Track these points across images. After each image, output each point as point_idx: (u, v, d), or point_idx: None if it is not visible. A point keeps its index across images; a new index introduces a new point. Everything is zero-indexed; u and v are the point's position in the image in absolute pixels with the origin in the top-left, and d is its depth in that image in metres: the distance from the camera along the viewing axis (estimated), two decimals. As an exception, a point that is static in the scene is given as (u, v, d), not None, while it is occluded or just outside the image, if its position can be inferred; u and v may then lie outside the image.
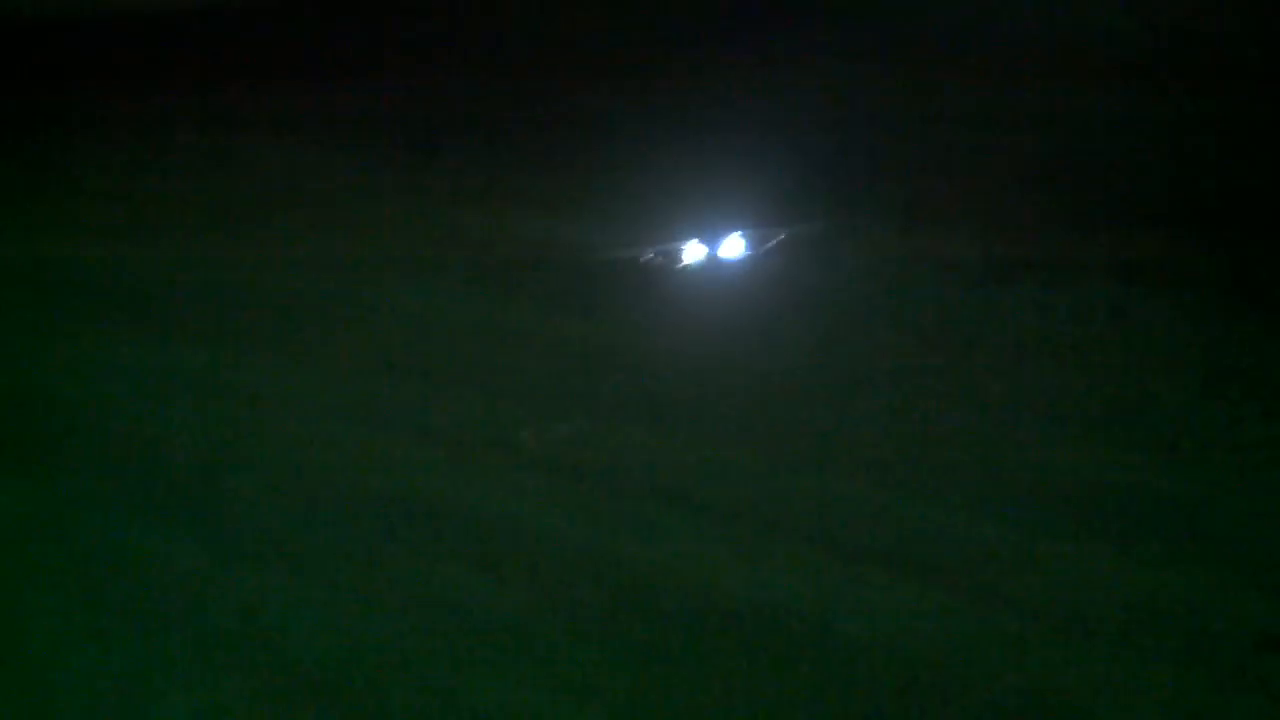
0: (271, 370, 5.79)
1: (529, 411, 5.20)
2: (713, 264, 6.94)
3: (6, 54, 12.31)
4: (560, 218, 7.87)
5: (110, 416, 5.39)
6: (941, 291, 6.32)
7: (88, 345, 6.21)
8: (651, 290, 6.64)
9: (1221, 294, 6.05)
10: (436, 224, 7.89)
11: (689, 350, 5.78)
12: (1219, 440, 4.68)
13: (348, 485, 4.70)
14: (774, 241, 7.04)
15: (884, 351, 5.63)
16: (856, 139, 9.26)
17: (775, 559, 4.08)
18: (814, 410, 5.10)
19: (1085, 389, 5.16)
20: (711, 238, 7.06)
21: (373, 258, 7.33)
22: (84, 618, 3.93)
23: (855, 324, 5.94)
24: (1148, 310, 5.91)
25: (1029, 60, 12.20)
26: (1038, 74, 11.59)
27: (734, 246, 7.03)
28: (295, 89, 11.24)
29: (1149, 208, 7.37)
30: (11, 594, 4.13)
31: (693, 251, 6.97)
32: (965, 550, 4.05)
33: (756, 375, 5.47)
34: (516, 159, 9.04)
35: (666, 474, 4.67)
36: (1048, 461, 4.60)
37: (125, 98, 10.87)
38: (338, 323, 6.33)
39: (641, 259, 6.93)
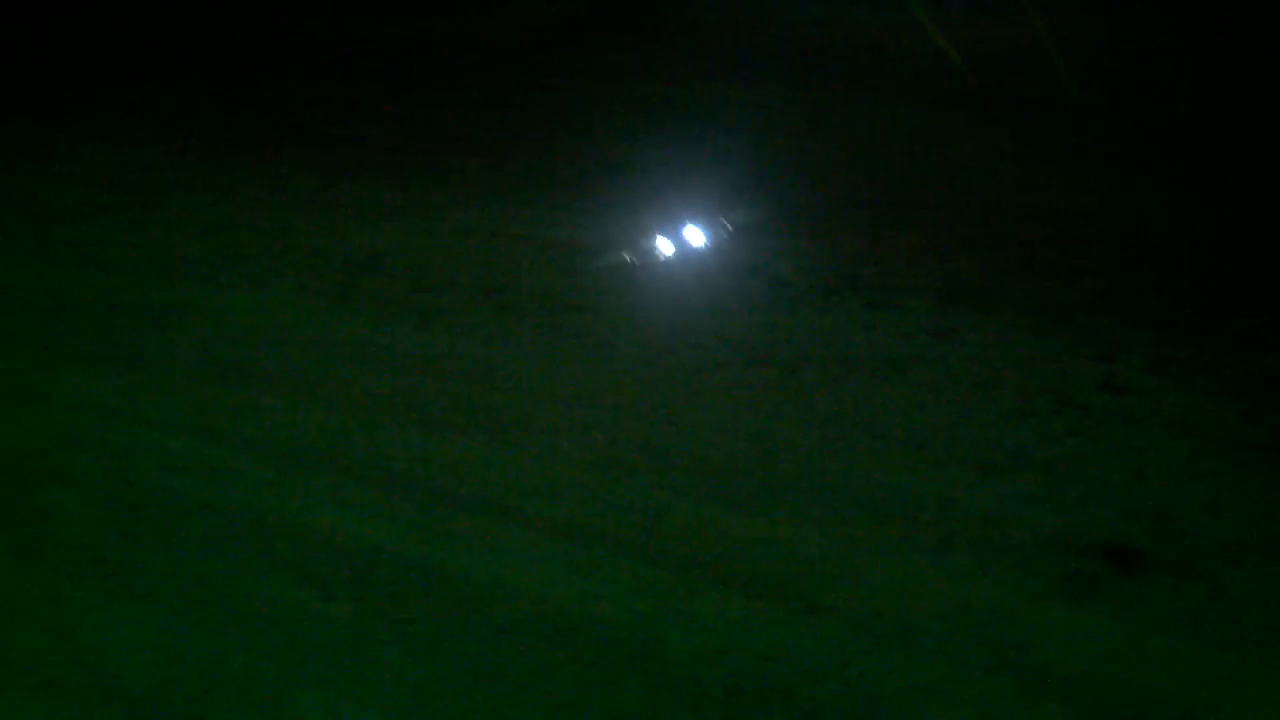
0: (95, 378, 5.61)
1: (358, 422, 5.16)
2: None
3: None
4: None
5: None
6: (771, 307, 6.47)
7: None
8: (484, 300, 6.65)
9: (1033, 316, 6.33)
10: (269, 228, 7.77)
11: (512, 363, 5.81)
12: (1030, 457, 4.89)
13: (171, 496, 4.58)
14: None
15: (701, 367, 5.73)
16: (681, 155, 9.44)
17: (604, 571, 4.12)
18: (638, 420, 5.18)
19: (905, 406, 5.33)
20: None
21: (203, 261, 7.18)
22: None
23: (675, 333, 6.04)
24: (965, 330, 6.14)
25: (858, 84, 12.64)
26: (866, 97, 12.01)
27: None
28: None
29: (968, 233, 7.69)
30: None
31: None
32: (790, 562, 4.16)
33: (579, 384, 5.52)
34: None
35: (497, 487, 4.67)
36: (870, 476, 4.75)
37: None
38: (166, 329, 6.18)
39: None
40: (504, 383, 5.57)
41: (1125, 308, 6.42)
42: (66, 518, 4.45)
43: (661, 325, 6.21)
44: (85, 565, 4.16)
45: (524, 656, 3.68)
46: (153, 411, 5.30)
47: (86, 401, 5.39)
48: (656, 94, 12.20)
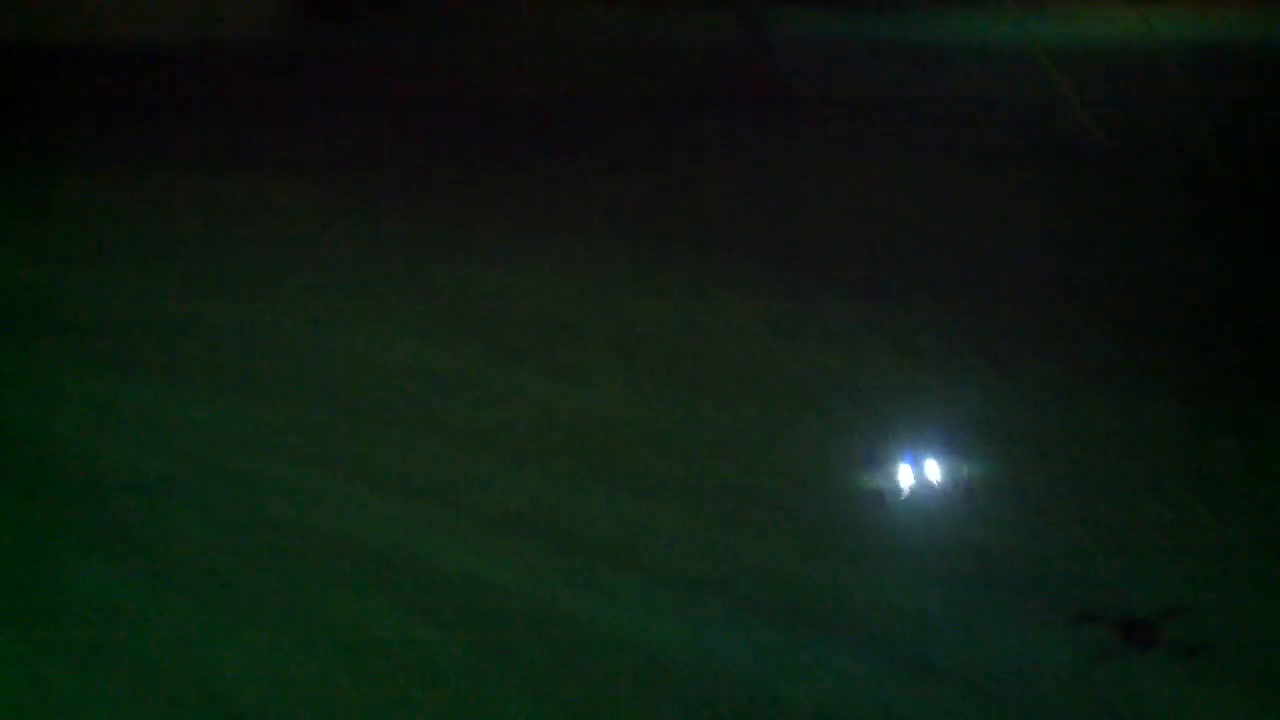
0: (225, 406, 5.76)
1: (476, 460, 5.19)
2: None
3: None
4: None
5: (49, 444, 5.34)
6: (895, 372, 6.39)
7: (27, 373, 6.16)
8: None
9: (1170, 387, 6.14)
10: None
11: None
12: (1165, 532, 4.72)
13: (291, 524, 4.65)
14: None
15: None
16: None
17: (717, 625, 4.06)
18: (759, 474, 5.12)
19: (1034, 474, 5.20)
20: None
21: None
22: (14, 649, 3.84)
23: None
24: (1097, 401, 5.98)
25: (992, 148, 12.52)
26: (1000, 161, 11.88)
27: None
28: None
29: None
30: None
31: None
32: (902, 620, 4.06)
33: (706, 436, 5.49)
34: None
35: (619, 534, 4.65)
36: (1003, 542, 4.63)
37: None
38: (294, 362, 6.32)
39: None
40: (632, 435, 5.56)
41: (1267, 386, 6.19)
42: (191, 540, 4.54)
43: (786, 386, 6.15)
44: (208, 587, 4.23)
45: (630, 704, 3.63)
46: (282, 442, 5.40)
47: (216, 429, 5.51)
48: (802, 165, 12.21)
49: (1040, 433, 5.61)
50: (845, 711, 3.58)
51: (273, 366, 6.30)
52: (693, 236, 8.99)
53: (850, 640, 3.92)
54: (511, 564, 4.41)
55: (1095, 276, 8.15)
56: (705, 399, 5.94)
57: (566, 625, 4.01)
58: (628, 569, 4.36)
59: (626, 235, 9.03)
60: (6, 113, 13.60)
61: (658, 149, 12.78)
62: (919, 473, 5.19)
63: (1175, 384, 6.13)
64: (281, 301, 7.38)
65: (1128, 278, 8.17)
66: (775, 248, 8.78)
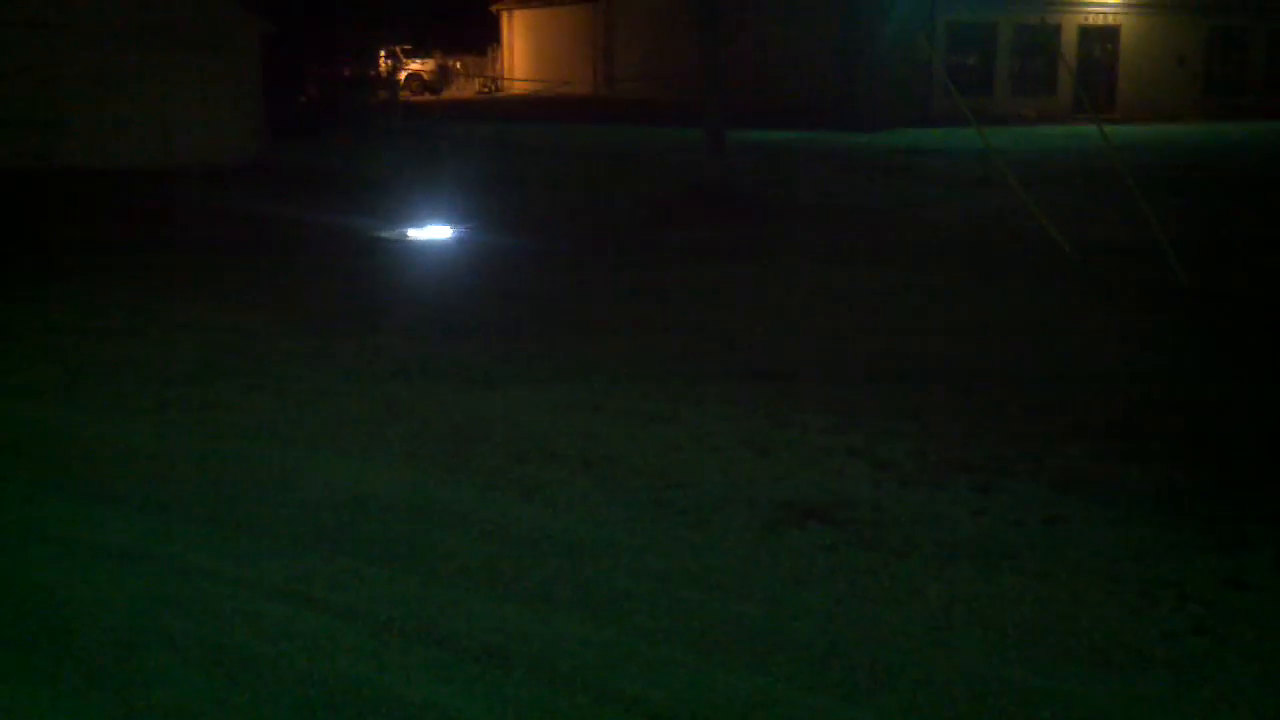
0: (199, 540, 5.65)
1: (457, 594, 5.09)
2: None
3: None
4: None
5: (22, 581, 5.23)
6: (877, 488, 6.35)
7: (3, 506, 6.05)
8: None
9: (1150, 505, 6.13)
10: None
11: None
12: (1152, 655, 4.67)
13: (268, 663, 4.54)
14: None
15: (807, 549, 5.61)
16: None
17: None
18: (741, 601, 5.05)
19: (1017, 596, 5.15)
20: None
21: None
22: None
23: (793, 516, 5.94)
24: (1078, 518, 5.96)
25: (969, 267, 12.65)
26: (975, 280, 11.99)
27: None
28: None
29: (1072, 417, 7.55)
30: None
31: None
32: None
33: (680, 562, 5.41)
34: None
35: (596, 666, 4.55)
36: (982, 670, 4.57)
37: None
38: (271, 492, 6.22)
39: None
40: (602, 559, 5.50)
41: (1246, 500, 6.21)
42: (166, 681, 4.43)
43: (765, 504, 6.12)
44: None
45: None
46: (254, 575, 5.30)
47: (190, 563, 5.41)
48: (766, 276, 12.31)
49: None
50: None
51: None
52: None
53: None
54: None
55: (1066, 386, 8.22)
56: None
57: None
58: (612, 703, 4.25)
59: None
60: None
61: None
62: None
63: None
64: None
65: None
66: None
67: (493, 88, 47.61)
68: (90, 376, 8.33)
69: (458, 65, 48.58)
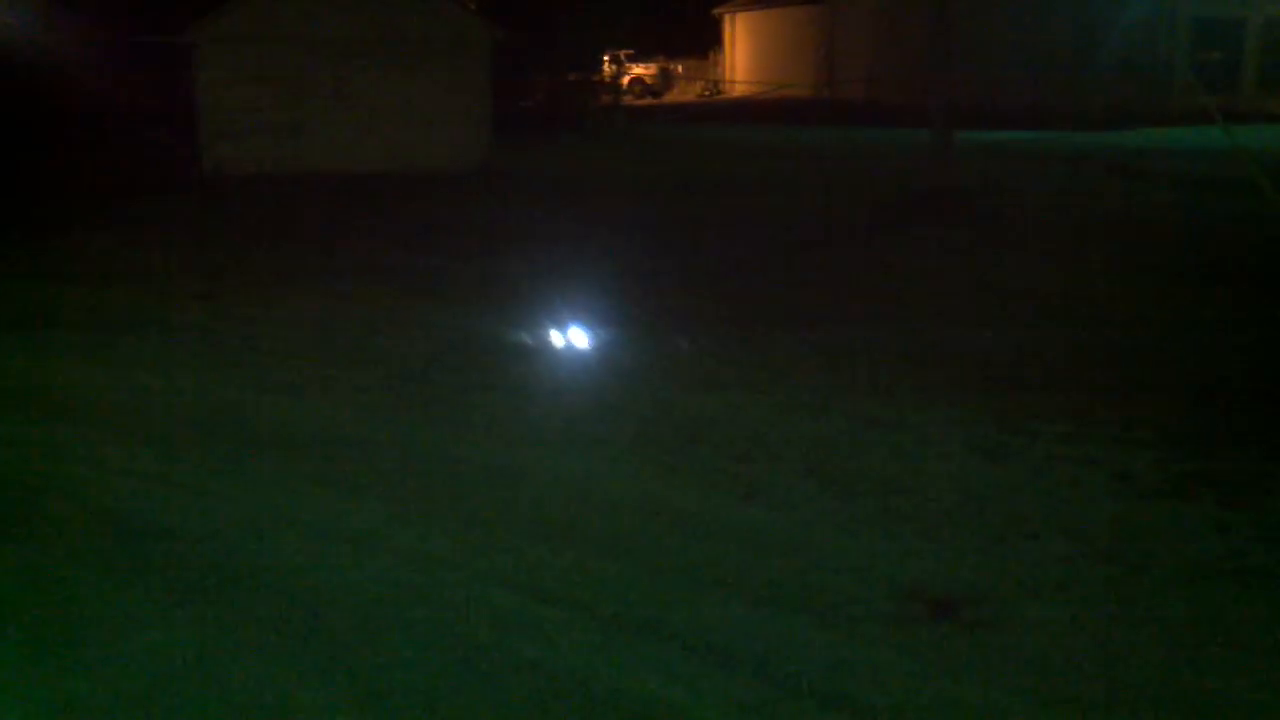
0: (435, 532, 5.84)
1: (684, 590, 5.13)
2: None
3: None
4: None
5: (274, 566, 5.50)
6: (1115, 501, 6.12)
7: (250, 493, 6.38)
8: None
9: None
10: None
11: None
12: None
13: (501, 652, 4.67)
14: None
15: (1041, 560, 5.45)
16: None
17: None
18: (974, 617, 4.94)
19: (1269, 617, 4.89)
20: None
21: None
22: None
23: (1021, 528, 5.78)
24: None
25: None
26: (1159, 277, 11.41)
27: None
28: None
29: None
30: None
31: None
32: None
33: (904, 570, 5.31)
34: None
35: (821, 668, 4.52)
36: (1231, 692, 4.35)
37: None
38: (503, 488, 6.39)
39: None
40: (828, 561, 5.45)
41: None
42: (405, 665, 4.60)
43: (996, 515, 5.97)
44: (419, 713, 4.27)
45: None
46: (487, 567, 5.45)
47: (427, 554, 5.60)
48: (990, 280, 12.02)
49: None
50: None
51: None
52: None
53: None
54: (719, 699, 4.32)
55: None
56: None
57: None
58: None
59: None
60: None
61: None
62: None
63: None
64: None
65: None
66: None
67: (714, 90, 47.82)
68: (340, 367, 8.70)
69: (679, 69, 49.01)
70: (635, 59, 46.34)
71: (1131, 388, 8.07)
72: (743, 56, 48.61)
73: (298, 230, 15.57)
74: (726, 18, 49.46)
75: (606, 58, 42.00)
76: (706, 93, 48.30)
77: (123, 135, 20.95)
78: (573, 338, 9.57)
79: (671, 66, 48.82)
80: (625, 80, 43.09)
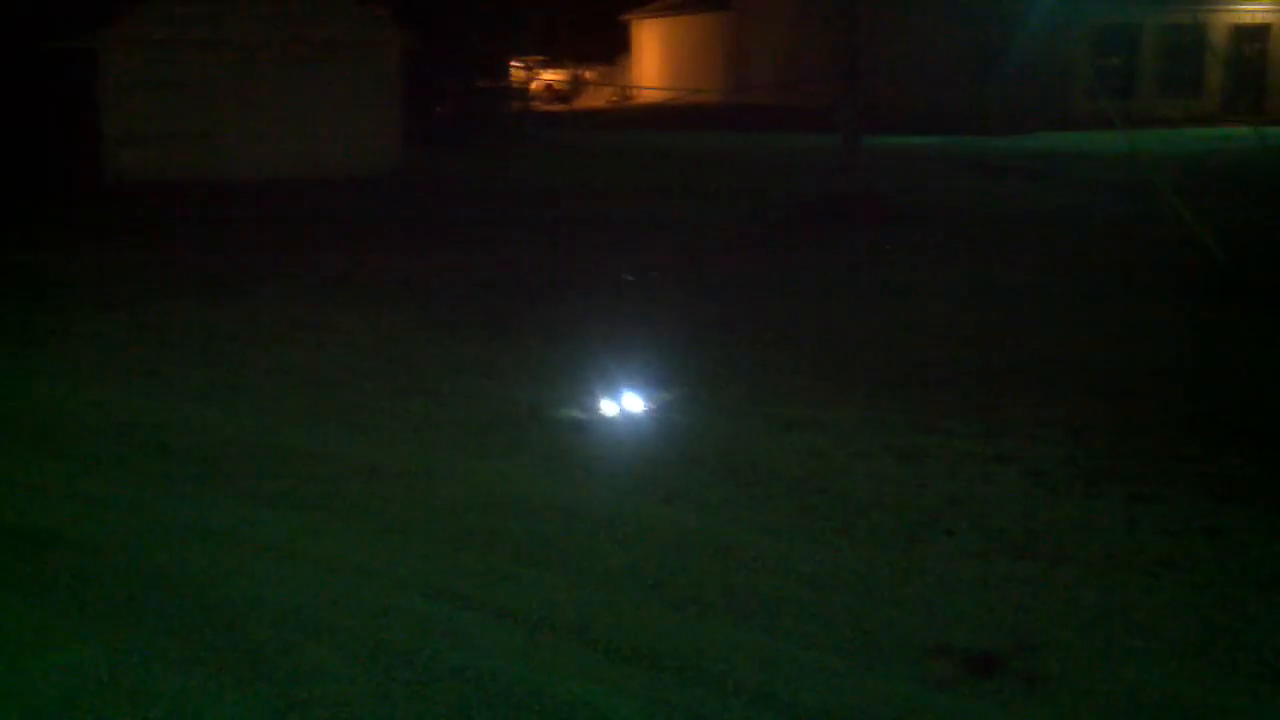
0: (353, 539, 5.78)
1: (604, 594, 5.13)
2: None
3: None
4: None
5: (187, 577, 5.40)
6: (1027, 497, 6.23)
7: (167, 506, 6.26)
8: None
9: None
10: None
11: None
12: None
13: (424, 659, 4.63)
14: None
15: (957, 557, 5.53)
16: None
17: None
18: (894, 607, 5.00)
19: (1178, 607, 5.01)
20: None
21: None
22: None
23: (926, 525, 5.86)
24: (1240, 528, 5.78)
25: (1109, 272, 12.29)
26: (1110, 285, 11.67)
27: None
28: None
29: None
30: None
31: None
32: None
33: (825, 568, 5.37)
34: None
35: (746, 668, 4.55)
36: (1145, 682, 4.45)
37: None
38: (419, 493, 6.34)
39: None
40: (749, 563, 5.49)
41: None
42: (326, 674, 4.54)
43: (913, 512, 6.05)
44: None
45: None
46: (407, 574, 5.40)
47: (345, 562, 5.54)
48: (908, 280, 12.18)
49: (1181, 562, 5.43)
50: None
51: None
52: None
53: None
54: (644, 700, 4.34)
55: (1221, 394, 7.95)
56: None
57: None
58: (763, 706, 4.24)
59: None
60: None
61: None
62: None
63: None
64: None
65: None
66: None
67: (624, 96, 47.92)
68: (248, 379, 8.57)
69: (589, 75, 49.03)
70: (546, 65, 46.26)
71: (1038, 383, 8.23)
72: (651, 63, 48.77)
73: (199, 236, 15.32)
74: (634, 24, 49.59)
75: (518, 64, 41.90)
76: (617, 98, 48.39)
77: (20, 145, 20.42)
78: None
79: (582, 73, 48.83)
80: (536, 86, 42.97)
